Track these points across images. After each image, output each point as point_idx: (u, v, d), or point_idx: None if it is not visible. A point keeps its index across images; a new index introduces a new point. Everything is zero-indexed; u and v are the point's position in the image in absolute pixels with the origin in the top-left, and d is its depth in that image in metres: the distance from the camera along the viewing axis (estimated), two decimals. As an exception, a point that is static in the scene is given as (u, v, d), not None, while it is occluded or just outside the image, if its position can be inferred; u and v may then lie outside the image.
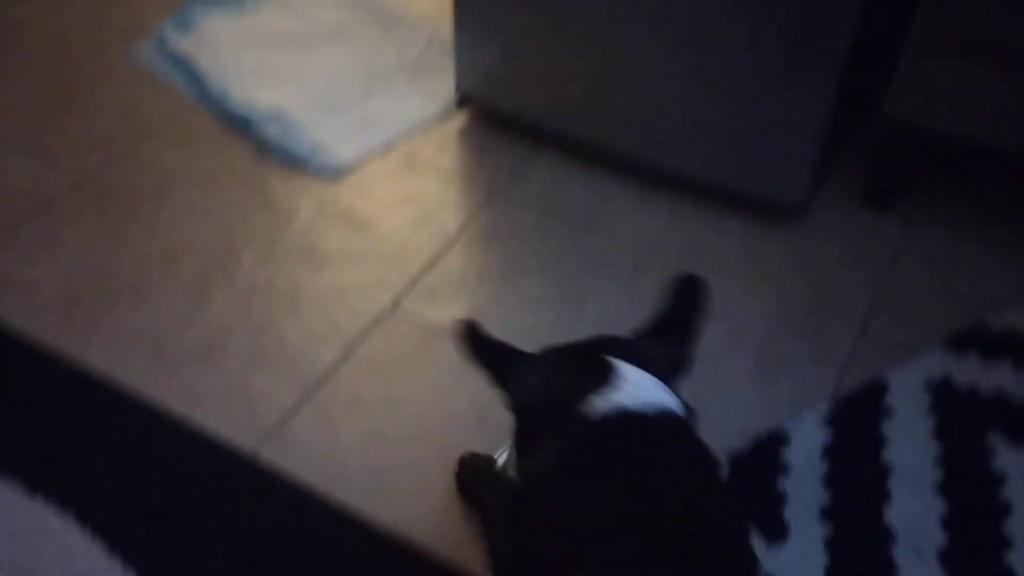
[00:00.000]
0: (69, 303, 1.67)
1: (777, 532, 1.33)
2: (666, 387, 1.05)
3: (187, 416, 1.49)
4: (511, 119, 1.97)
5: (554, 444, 0.99)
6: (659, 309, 1.14)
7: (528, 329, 1.63)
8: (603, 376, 1.01)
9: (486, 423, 1.46)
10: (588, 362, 1.05)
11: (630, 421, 0.98)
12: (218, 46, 2.18)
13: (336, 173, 1.92)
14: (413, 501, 1.38)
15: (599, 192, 1.89)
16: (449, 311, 1.66)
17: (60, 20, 2.30)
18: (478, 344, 1.09)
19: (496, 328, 1.64)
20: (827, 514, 1.35)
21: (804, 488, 1.38)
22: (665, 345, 1.10)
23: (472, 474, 1.37)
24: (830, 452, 1.43)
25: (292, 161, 1.94)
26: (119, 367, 1.56)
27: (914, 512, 1.35)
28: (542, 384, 1.05)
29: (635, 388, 1.01)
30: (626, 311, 1.66)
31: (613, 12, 1.70)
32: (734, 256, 1.76)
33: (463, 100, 2.01)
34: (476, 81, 1.96)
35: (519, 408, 1.07)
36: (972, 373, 1.54)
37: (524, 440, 1.07)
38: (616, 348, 1.07)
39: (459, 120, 2.04)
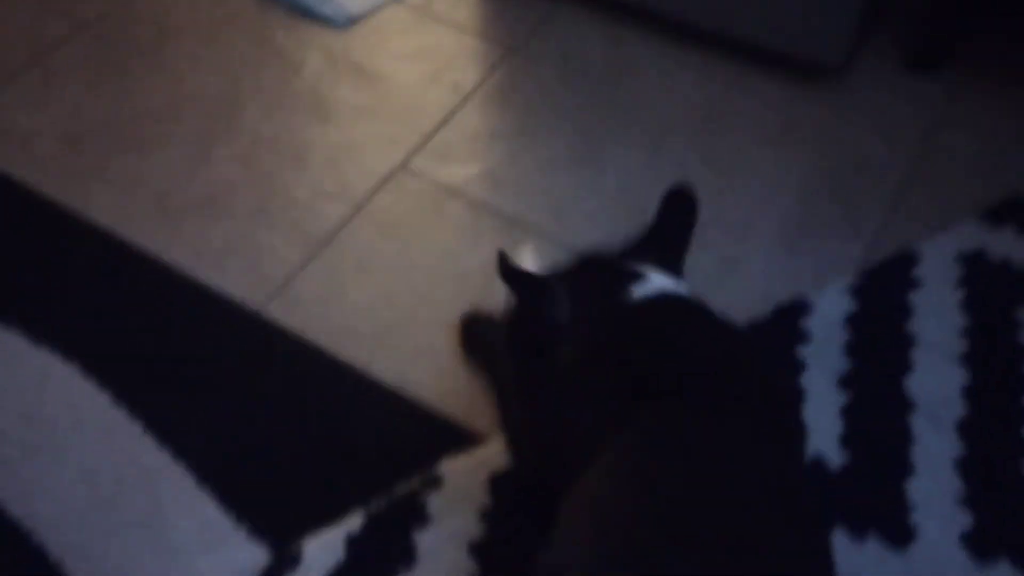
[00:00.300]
0: (69, 153, 1.62)
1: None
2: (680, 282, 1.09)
3: (191, 270, 1.46)
4: (532, -32, 1.85)
5: (599, 325, 1.03)
6: (649, 224, 1.14)
7: (544, 191, 1.57)
8: (633, 272, 1.06)
9: (495, 283, 1.41)
10: (615, 264, 1.09)
11: (671, 301, 1.03)
12: None
13: (346, 22, 1.82)
14: (420, 360, 1.36)
15: (624, 48, 1.78)
16: (462, 170, 1.59)
17: None
18: (506, 271, 1.07)
19: (511, 190, 1.61)
20: (846, 382, 1.31)
21: (824, 356, 1.34)
22: (656, 260, 1.12)
23: (476, 337, 1.34)
24: (853, 321, 1.38)
25: (300, 9, 1.84)
26: (121, 219, 1.52)
27: (935, 382, 1.31)
28: (576, 287, 1.08)
29: (663, 279, 1.05)
30: (649, 174, 1.59)
31: None
32: (765, 119, 1.67)
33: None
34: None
35: (555, 317, 1.08)
36: (1007, 246, 1.47)
37: (555, 338, 1.08)
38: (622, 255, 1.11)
39: (477, -31, 1.92)
